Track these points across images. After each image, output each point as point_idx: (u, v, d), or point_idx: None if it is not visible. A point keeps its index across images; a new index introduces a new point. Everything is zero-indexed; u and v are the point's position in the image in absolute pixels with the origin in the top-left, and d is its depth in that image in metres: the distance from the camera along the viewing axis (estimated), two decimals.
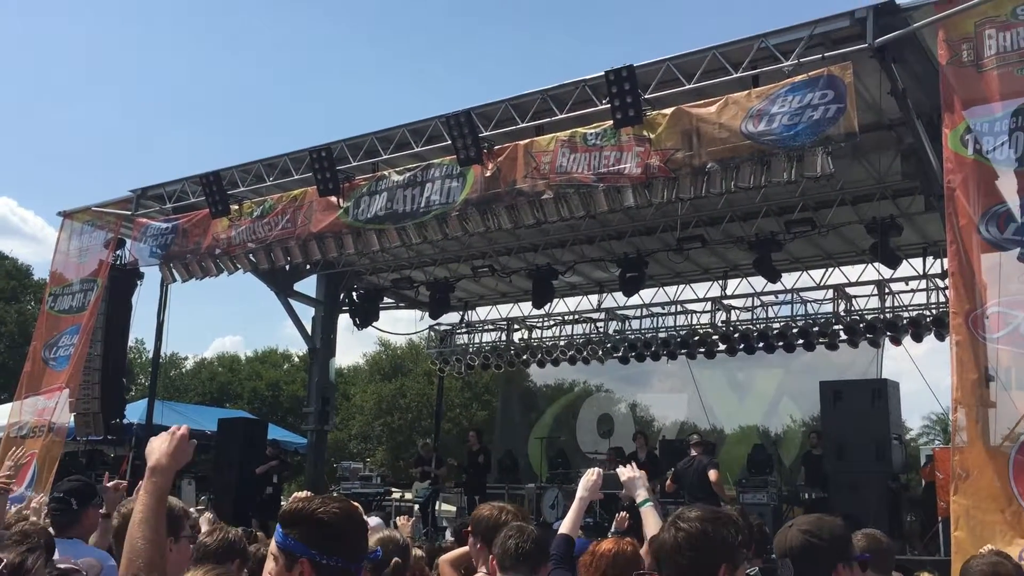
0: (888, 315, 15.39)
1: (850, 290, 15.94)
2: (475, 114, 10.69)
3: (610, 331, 18.73)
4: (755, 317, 16.99)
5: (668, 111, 9.34)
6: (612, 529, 6.51)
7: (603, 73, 9.58)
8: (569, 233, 14.71)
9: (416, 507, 15.73)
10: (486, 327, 20.23)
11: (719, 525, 2.53)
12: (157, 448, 2.61)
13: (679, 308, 17.85)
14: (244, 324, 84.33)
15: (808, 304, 16.46)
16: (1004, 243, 7.20)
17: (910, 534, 13.71)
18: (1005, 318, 7.07)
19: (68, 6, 74.08)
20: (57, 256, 15.36)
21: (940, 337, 14.29)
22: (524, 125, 10.63)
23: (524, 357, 19.55)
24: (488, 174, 10.52)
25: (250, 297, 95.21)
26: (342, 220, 11.80)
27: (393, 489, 18.10)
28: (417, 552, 5.34)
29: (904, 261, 14.20)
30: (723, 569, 2.48)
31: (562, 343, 19.04)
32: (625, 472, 4.20)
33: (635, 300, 17.12)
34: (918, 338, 15.01)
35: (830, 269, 15.79)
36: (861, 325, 15.59)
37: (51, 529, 4.39)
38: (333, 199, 11.80)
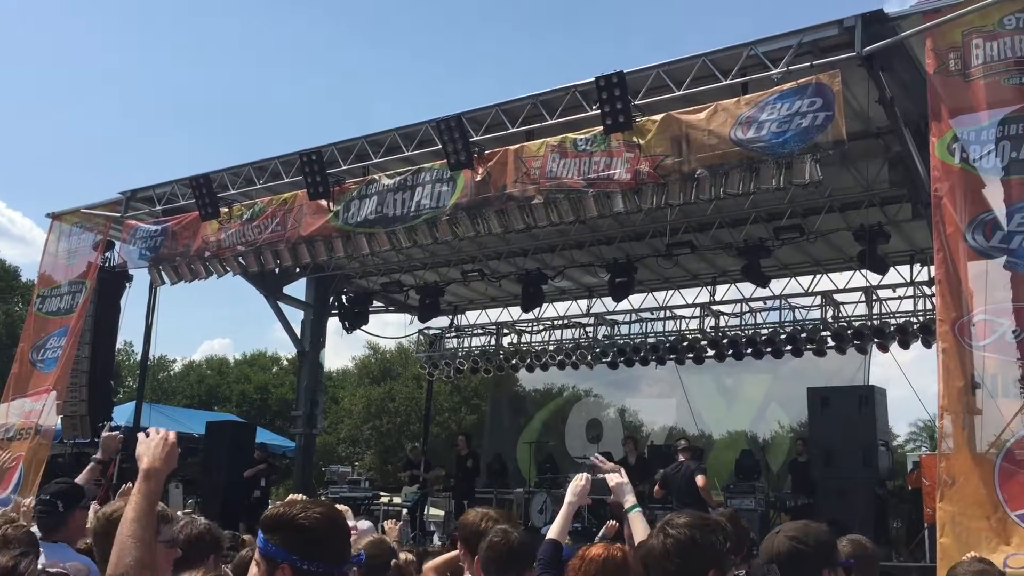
0: (876, 322, 15.47)
1: (838, 297, 16.01)
2: (466, 119, 10.70)
3: (599, 336, 18.78)
4: (744, 323, 17.07)
5: (658, 117, 9.36)
6: (600, 534, 6.52)
7: (593, 79, 9.60)
8: (559, 238, 14.73)
9: (404, 511, 15.72)
10: (475, 331, 20.24)
11: (707, 532, 2.55)
12: (150, 452, 2.61)
13: (668, 313, 17.91)
14: (233, 327, 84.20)
15: (796, 310, 16.55)
16: (990, 251, 7.25)
17: (896, 540, 13.77)
18: (991, 326, 7.11)
19: (58, 7, 73.86)
20: (45, 258, 15.29)
21: (927, 344, 14.36)
22: (515, 130, 10.65)
23: (513, 361, 19.56)
24: (478, 179, 10.52)
25: (239, 300, 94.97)
26: (332, 224, 11.78)
27: (381, 493, 18.08)
28: (408, 556, 5.34)
29: (892, 268, 14.28)
30: (711, 575, 2.50)
31: (551, 348, 19.07)
32: (614, 477, 4.21)
33: (624, 305, 17.17)
34: (905, 345, 15.09)
35: (818, 276, 15.86)
36: (849, 332, 15.67)
37: (37, 532, 4.37)
38: (323, 202, 11.79)
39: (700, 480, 11.11)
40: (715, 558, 2.53)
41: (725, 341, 16.93)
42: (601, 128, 9.59)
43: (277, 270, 14.45)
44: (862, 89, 9.14)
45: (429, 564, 4.52)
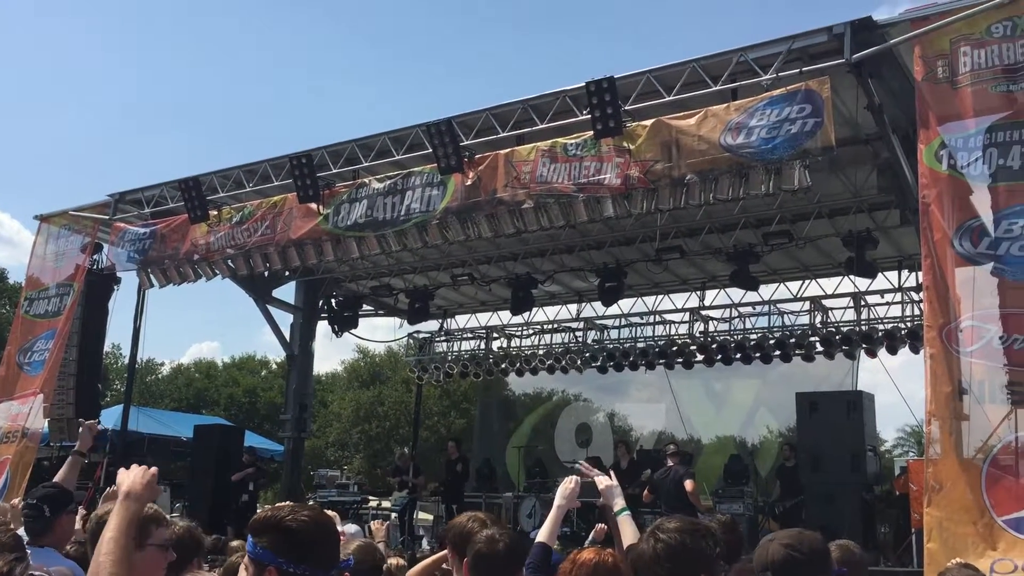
0: (864, 327, 15.55)
1: (826, 302, 16.09)
2: (456, 123, 10.70)
3: (589, 340, 18.80)
4: (732, 328, 17.12)
5: (648, 123, 9.39)
6: (590, 538, 6.52)
7: (584, 84, 9.63)
8: (549, 243, 14.75)
9: (393, 515, 15.70)
10: (465, 335, 20.24)
11: (697, 537, 2.56)
12: (130, 477, 2.68)
13: (657, 318, 17.95)
14: (222, 330, 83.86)
15: (785, 315, 16.63)
16: (978, 257, 7.30)
17: (884, 546, 13.81)
18: (978, 332, 7.15)
19: (47, 7, 73.59)
20: (33, 260, 15.22)
21: (915, 350, 14.44)
22: (505, 134, 10.66)
23: (503, 366, 19.56)
24: (468, 183, 10.53)
25: (228, 303, 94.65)
26: (322, 227, 11.77)
27: (370, 497, 18.05)
28: (399, 561, 5.33)
29: (880, 274, 14.35)
30: None
31: (541, 352, 19.09)
32: (603, 480, 4.21)
33: (614, 310, 17.19)
34: (893, 350, 15.16)
35: (807, 281, 15.93)
36: (837, 337, 15.74)
37: (25, 536, 4.34)
38: (313, 206, 11.77)
39: (689, 485, 11.12)
40: (705, 563, 2.53)
41: (714, 346, 16.98)
42: (591, 133, 9.62)
43: (266, 273, 14.42)
44: (851, 96, 9.18)
45: (413, 569, 4.51)
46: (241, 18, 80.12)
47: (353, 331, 18.27)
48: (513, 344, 19.79)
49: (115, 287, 14.99)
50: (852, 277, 14.47)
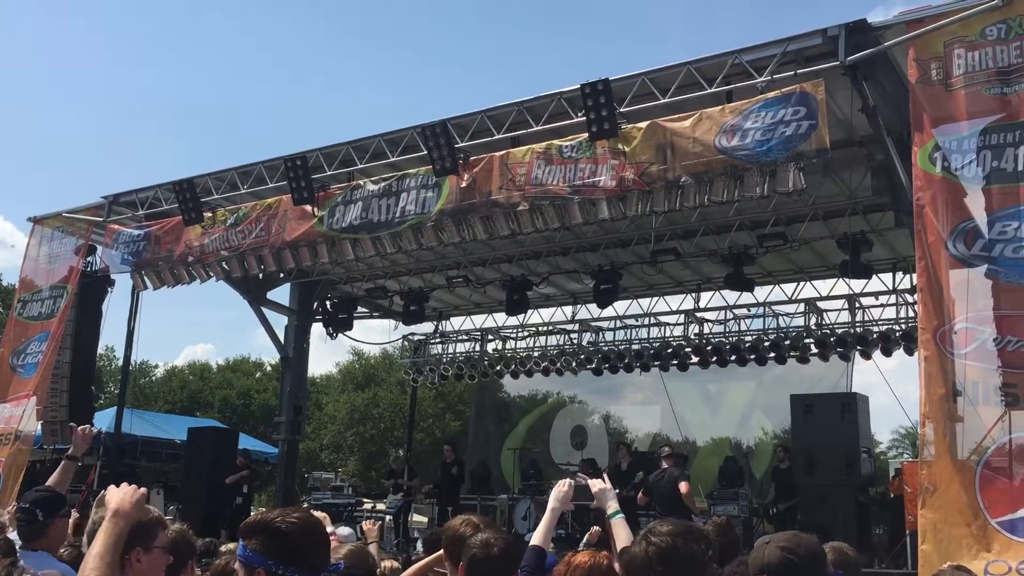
0: (858, 329, 15.58)
1: (821, 304, 16.12)
2: (451, 125, 10.71)
3: (584, 343, 18.82)
4: (727, 330, 17.15)
5: (643, 125, 9.40)
6: (584, 541, 6.52)
7: (579, 86, 9.63)
8: (544, 245, 14.76)
9: (388, 518, 15.68)
10: (460, 337, 20.24)
11: (690, 540, 2.56)
12: (119, 495, 2.72)
13: (652, 320, 17.97)
14: (216, 332, 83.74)
15: (780, 318, 16.65)
16: (971, 259, 7.31)
17: (878, 547, 13.85)
18: (972, 334, 7.16)
19: (39, 10, 73.45)
20: (27, 262, 15.17)
21: (909, 352, 14.46)
22: (500, 136, 10.66)
23: (498, 368, 19.57)
24: (463, 185, 10.53)
25: (222, 305, 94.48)
26: (316, 229, 11.76)
27: (365, 500, 18.03)
28: (393, 564, 5.32)
29: (874, 276, 14.37)
30: None
31: (536, 354, 19.10)
32: (597, 483, 4.21)
33: (609, 312, 17.22)
34: (888, 352, 15.19)
35: (802, 283, 15.95)
36: (832, 339, 15.77)
37: (17, 540, 4.32)
38: (308, 208, 11.76)
39: (683, 487, 11.11)
40: (697, 566, 2.53)
41: (709, 348, 17.01)
42: (586, 135, 9.63)
43: (261, 275, 14.39)
44: (845, 98, 9.19)
45: (406, 572, 4.50)
46: (236, 20, 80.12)
47: (348, 333, 18.24)
48: (508, 346, 19.81)
49: (109, 289, 14.96)
50: (847, 279, 14.49)
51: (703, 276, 16.01)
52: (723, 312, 17.07)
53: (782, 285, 16.12)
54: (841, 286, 15.39)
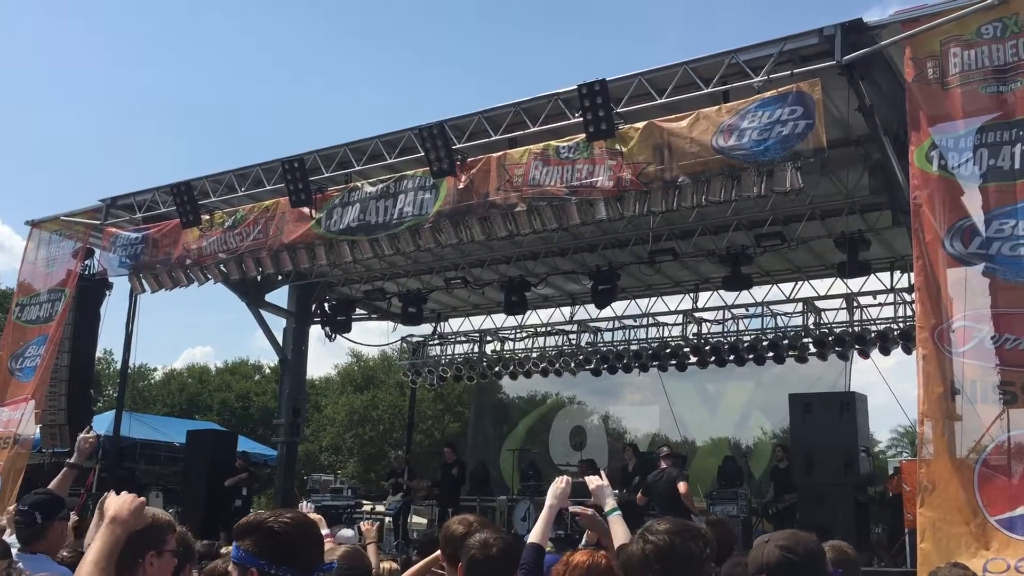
0: (856, 328, 15.58)
1: (819, 303, 16.12)
2: (448, 126, 10.70)
3: (582, 343, 18.81)
4: (726, 330, 17.16)
5: (640, 125, 9.40)
6: (583, 542, 6.51)
7: (576, 87, 9.64)
8: (542, 245, 14.77)
9: (387, 519, 15.68)
10: (458, 339, 20.24)
11: (687, 539, 2.56)
12: (117, 503, 2.71)
13: (651, 320, 17.97)
14: (215, 335, 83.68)
15: (778, 317, 16.65)
16: (969, 258, 7.32)
17: (877, 546, 13.85)
18: (970, 332, 7.17)
19: (36, 11, 73.41)
20: (24, 266, 15.17)
21: (907, 350, 14.47)
22: (497, 138, 10.66)
23: (496, 369, 19.57)
24: (461, 186, 10.53)
25: (221, 308, 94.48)
26: (314, 231, 11.76)
27: (364, 501, 18.03)
28: (392, 565, 5.32)
29: (872, 275, 14.39)
30: None
31: (534, 355, 19.09)
32: (594, 481, 4.22)
33: (607, 312, 17.22)
34: (886, 351, 15.20)
35: (800, 282, 15.95)
36: (830, 338, 15.77)
37: (15, 543, 4.32)
38: (305, 210, 11.76)
39: (682, 487, 11.12)
40: (695, 565, 2.54)
41: (708, 348, 17.01)
42: (583, 136, 9.63)
43: (259, 278, 14.40)
44: (842, 97, 9.20)
45: (405, 574, 4.50)
46: (233, 21, 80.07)
47: (346, 335, 18.25)
48: (507, 347, 19.80)
49: (107, 292, 14.95)
50: (844, 279, 14.49)
51: (701, 276, 16.02)
52: (721, 312, 17.07)
53: (780, 285, 16.13)
54: (839, 285, 15.40)
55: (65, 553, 4.45)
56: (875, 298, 15.54)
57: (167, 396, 44.85)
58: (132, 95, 78.43)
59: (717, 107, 9.04)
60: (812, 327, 16.12)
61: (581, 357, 18.51)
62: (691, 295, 16.90)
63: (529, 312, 17.71)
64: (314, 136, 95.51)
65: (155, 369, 48.35)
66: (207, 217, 12.79)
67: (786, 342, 16.25)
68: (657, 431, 23.05)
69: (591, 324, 18.63)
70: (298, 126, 78.24)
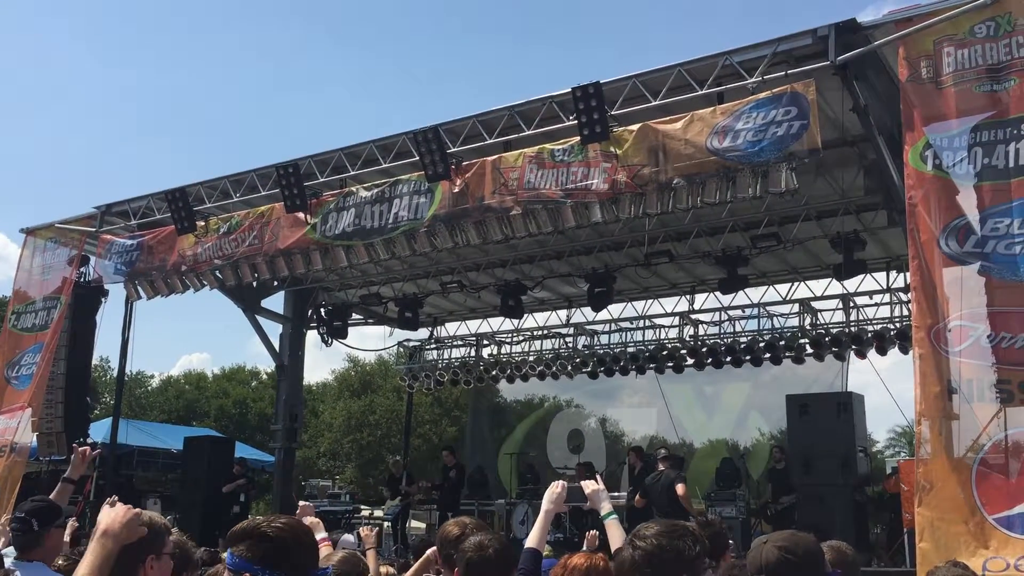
0: (853, 329, 15.56)
1: (815, 304, 16.11)
2: (443, 130, 10.70)
3: (579, 346, 18.80)
4: (722, 331, 17.14)
5: (635, 127, 9.41)
6: (584, 548, 6.49)
7: (570, 90, 9.64)
8: (537, 249, 14.75)
9: (386, 524, 15.66)
10: (455, 343, 20.21)
11: (675, 538, 2.57)
12: (109, 516, 2.68)
13: (647, 323, 17.95)
14: (211, 341, 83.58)
15: (774, 318, 16.63)
16: (964, 257, 7.33)
17: (876, 546, 13.84)
18: (966, 331, 7.18)
19: (28, 18, 73.34)
20: (20, 273, 15.15)
21: (904, 350, 14.46)
22: (492, 141, 10.67)
23: (493, 373, 19.53)
24: (456, 190, 10.53)
25: (218, 314, 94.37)
26: (309, 236, 11.75)
27: (362, 507, 18.01)
28: (388, 570, 5.30)
29: (868, 275, 14.39)
30: None
31: (531, 358, 19.06)
32: (590, 484, 4.21)
33: (604, 315, 17.20)
34: (883, 351, 15.18)
35: (796, 283, 15.95)
36: (827, 339, 15.75)
37: (10, 550, 4.31)
38: (300, 215, 11.75)
39: (680, 489, 11.11)
40: (685, 564, 2.54)
41: (704, 350, 16.99)
42: (578, 138, 9.63)
43: (255, 284, 14.37)
44: (836, 98, 9.21)
45: None
46: (227, 27, 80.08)
47: (342, 340, 18.22)
48: (503, 351, 19.77)
49: (103, 299, 14.95)
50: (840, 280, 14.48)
51: (697, 278, 16.00)
52: (718, 313, 17.05)
53: (776, 286, 16.12)
54: (835, 286, 15.38)
55: (61, 562, 4.43)
56: (871, 298, 15.54)
57: (164, 403, 44.80)
58: (127, 102, 78.44)
59: (711, 108, 9.04)
60: (809, 328, 16.11)
61: (578, 360, 18.49)
62: (687, 297, 16.89)
63: (525, 315, 17.68)
64: (309, 141, 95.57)
65: (152, 376, 48.36)
66: (202, 223, 12.78)
67: (783, 343, 16.24)
68: (655, 433, 23.10)
69: (588, 327, 18.61)
70: (293, 131, 78.26)
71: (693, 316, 17.22)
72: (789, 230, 13.15)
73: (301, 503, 5.69)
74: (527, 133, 10.40)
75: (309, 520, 4.78)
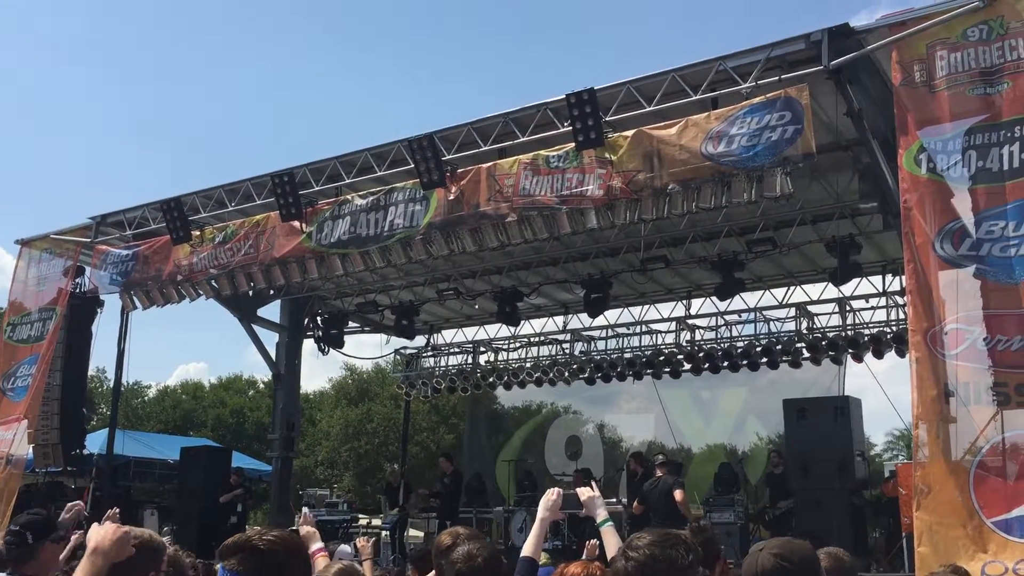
0: (850, 332, 15.57)
1: (812, 308, 16.11)
2: (438, 137, 10.70)
3: (576, 352, 18.79)
4: (719, 336, 17.14)
5: (629, 133, 9.40)
6: (583, 557, 6.48)
7: (564, 96, 9.64)
8: (533, 255, 14.74)
9: (384, 533, 15.62)
10: (452, 350, 20.19)
11: (667, 547, 2.57)
12: (100, 533, 2.68)
13: (644, 328, 17.95)
14: (208, 350, 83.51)
15: (771, 323, 16.64)
16: (959, 260, 7.33)
17: (875, 550, 13.83)
18: (963, 334, 7.18)
19: (21, 28, 73.33)
20: (15, 285, 15.11)
21: (901, 353, 14.46)
22: (487, 148, 10.65)
23: (491, 379, 19.51)
24: (451, 197, 10.52)
25: (215, 323, 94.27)
26: (305, 245, 11.73)
27: (360, 516, 17.97)
28: None
29: (864, 279, 14.40)
30: None
31: (528, 365, 19.05)
32: (585, 492, 4.20)
33: (600, 321, 17.18)
34: (879, 355, 15.18)
35: (792, 287, 15.95)
36: (823, 343, 15.76)
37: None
38: (296, 224, 11.74)
39: (678, 495, 11.09)
40: (678, 573, 2.54)
41: (701, 355, 16.98)
42: (573, 145, 9.62)
43: (251, 292, 14.34)
44: (830, 102, 9.22)
45: None
46: (221, 37, 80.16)
47: (339, 350, 18.19)
48: (500, 357, 19.75)
49: (98, 310, 14.92)
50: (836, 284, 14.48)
51: (693, 283, 16.00)
52: (714, 318, 17.05)
53: (772, 290, 16.12)
54: (831, 290, 15.39)
55: None
56: (867, 302, 15.55)
57: (161, 413, 44.72)
58: (121, 112, 78.42)
59: (706, 114, 9.04)
60: (805, 332, 16.12)
61: (575, 366, 18.48)
62: (684, 302, 16.89)
63: (522, 322, 17.67)
64: (304, 150, 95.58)
65: (149, 386, 48.26)
66: (197, 233, 12.75)
67: (779, 347, 16.24)
68: (653, 439, 23.06)
69: (584, 333, 18.60)
70: (287, 140, 78.27)
71: (690, 321, 17.22)
72: (785, 234, 13.15)
73: (304, 511, 5.67)
74: (522, 140, 10.40)
75: (306, 530, 4.76)
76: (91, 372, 19.45)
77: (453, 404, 35.51)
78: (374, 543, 6.20)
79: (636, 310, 17.60)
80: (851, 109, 8.82)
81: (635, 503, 12.18)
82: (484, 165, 10.45)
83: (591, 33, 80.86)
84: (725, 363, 16.75)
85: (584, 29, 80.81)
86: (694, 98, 9.35)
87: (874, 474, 18.02)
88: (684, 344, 17.31)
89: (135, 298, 13.49)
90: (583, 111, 9.45)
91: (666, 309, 17.38)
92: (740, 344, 16.73)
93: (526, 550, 3.82)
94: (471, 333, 19.62)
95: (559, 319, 18.45)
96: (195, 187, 13.15)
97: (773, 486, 14.99)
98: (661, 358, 17.42)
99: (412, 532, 17.20)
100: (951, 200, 7.49)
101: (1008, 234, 7.16)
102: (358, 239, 11.28)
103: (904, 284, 8.77)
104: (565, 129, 9.80)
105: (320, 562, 4.37)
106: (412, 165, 10.74)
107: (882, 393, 36.93)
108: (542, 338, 19.03)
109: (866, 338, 15.25)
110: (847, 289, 14.85)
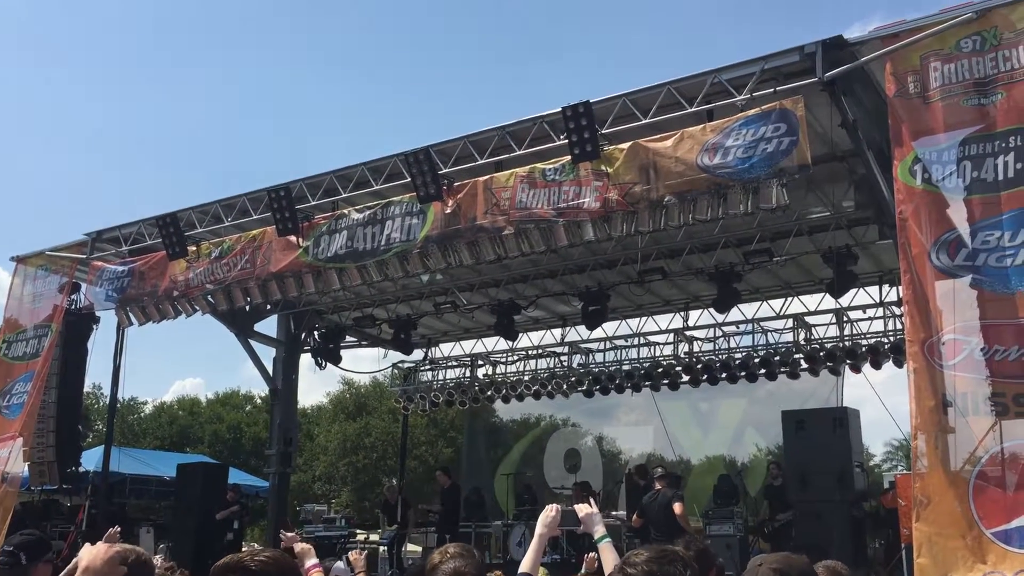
0: (847, 343, 15.55)
1: (809, 319, 16.12)
2: (434, 151, 10.71)
3: (574, 365, 18.76)
4: (717, 348, 17.13)
5: (625, 146, 9.42)
6: (583, 571, 6.45)
7: (560, 109, 9.66)
8: (530, 268, 14.75)
9: (382, 548, 15.56)
10: (450, 363, 20.17)
11: (665, 564, 2.56)
12: (90, 553, 2.68)
13: (642, 340, 17.94)
14: (205, 366, 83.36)
15: (769, 334, 16.63)
16: (955, 270, 7.33)
17: (874, 561, 13.79)
18: (960, 345, 7.17)
19: (13, 46, 73.48)
20: (10, 302, 15.06)
21: (899, 364, 14.45)
22: (483, 161, 10.67)
23: (489, 393, 19.49)
24: (448, 211, 10.52)
25: (211, 338, 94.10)
26: (302, 259, 11.72)
27: (358, 531, 17.90)
28: None
29: (861, 289, 14.40)
30: None
31: (526, 378, 19.02)
32: (583, 508, 4.19)
33: (598, 333, 17.19)
34: (877, 365, 15.17)
35: (789, 299, 15.96)
36: (821, 354, 15.73)
37: None
38: (292, 238, 11.73)
39: (677, 508, 11.06)
40: None
41: (699, 366, 16.97)
42: (569, 158, 9.64)
43: (247, 307, 14.32)
44: (825, 114, 9.24)
45: None
46: (215, 51, 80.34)
47: (337, 364, 18.15)
48: (498, 371, 19.73)
49: (94, 326, 14.85)
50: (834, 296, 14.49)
51: (691, 295, 16.02)
52: (712, 330, 17.06)
53: (770, 301, 16.13)
54: (829, 300, 15.39)
55: None
56: (865, 312, 15.56)
57: (157, 429, 44.59)
58: (116, 128, 78.50)
59: (701, 126, 9.06)
60: (803, 343, 16.10)
61: (573, 379, 18.46)
62: (681, 314, 16.90)
63: (520, 335, 17.66)
64: (299, 165, 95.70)
65: (145, 402, 48.13)
66: (193, 248, 12.73)
67: (777, 358, 16.22)
68: (652, 451, 23.01)
69: (582, 345, 18.59)
70: (283, 155, 78.36)
71: (687, 333, 17.21)
72: (781, 245, 13.17)
73: (283, 533, 5.64)
74: (518, 153, 10.42)
75: (300, 547, 4.74)
76: (87, 389, 19.44)
77: (451, 418, 35.44)
78: (367, 556, 6.16)
79: (634, 322, 17.60)
80: (846, 120, 8.85)
81: (634, 516, 12.14)
82: (481, 178, 10.45)
83: (586, 47, 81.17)
84: (723, 374, 16.73)
85: (579, 44, 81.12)
86: (689, 110, 9.37)
87: (873, 485, 17.99)
88: (682, 356, 17.30)
89: (131, 314, 13.45)
90: (579, 124, 9.46)
91: (664, 321, 17.39)
92: (738, 355, 16.72)
93: (524, 566, 3.80)
94: (469, 346, 19.62)
95: (557, 332, 18.45)
96: (191, 202, 13.17)
97: (772, 498, 14.96)
98: (659, 370, 17.41)
99: (411, 547, 17.14)
100: (946, 211, 7.49)
101: (1004, 244, 7.16)
102: (355, 253, 11.27)
103: (901, 294, 8.78)
104: (561, 142, 9.81)
105: None
106: (409, 179, 10.75)
107: (880, 404, 36.86)
108: (540, 351, 19.02)
109: (864, 349, 15.25)
110: (844, 300, 14.86)
